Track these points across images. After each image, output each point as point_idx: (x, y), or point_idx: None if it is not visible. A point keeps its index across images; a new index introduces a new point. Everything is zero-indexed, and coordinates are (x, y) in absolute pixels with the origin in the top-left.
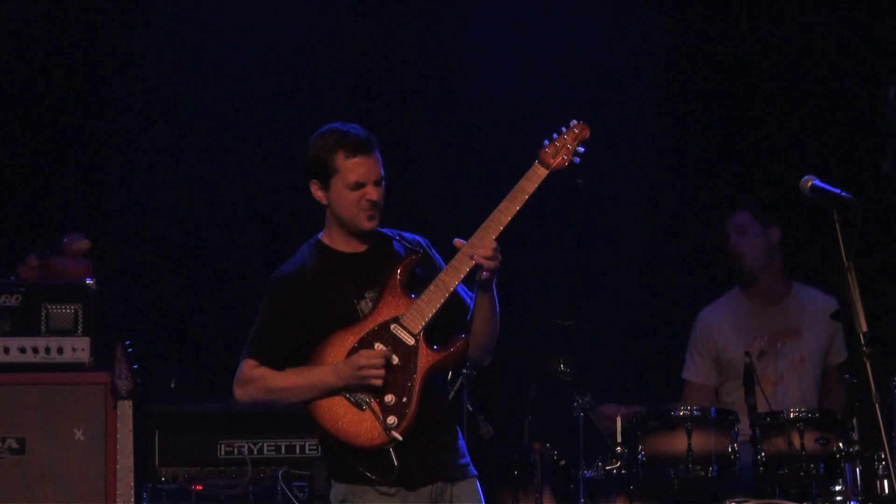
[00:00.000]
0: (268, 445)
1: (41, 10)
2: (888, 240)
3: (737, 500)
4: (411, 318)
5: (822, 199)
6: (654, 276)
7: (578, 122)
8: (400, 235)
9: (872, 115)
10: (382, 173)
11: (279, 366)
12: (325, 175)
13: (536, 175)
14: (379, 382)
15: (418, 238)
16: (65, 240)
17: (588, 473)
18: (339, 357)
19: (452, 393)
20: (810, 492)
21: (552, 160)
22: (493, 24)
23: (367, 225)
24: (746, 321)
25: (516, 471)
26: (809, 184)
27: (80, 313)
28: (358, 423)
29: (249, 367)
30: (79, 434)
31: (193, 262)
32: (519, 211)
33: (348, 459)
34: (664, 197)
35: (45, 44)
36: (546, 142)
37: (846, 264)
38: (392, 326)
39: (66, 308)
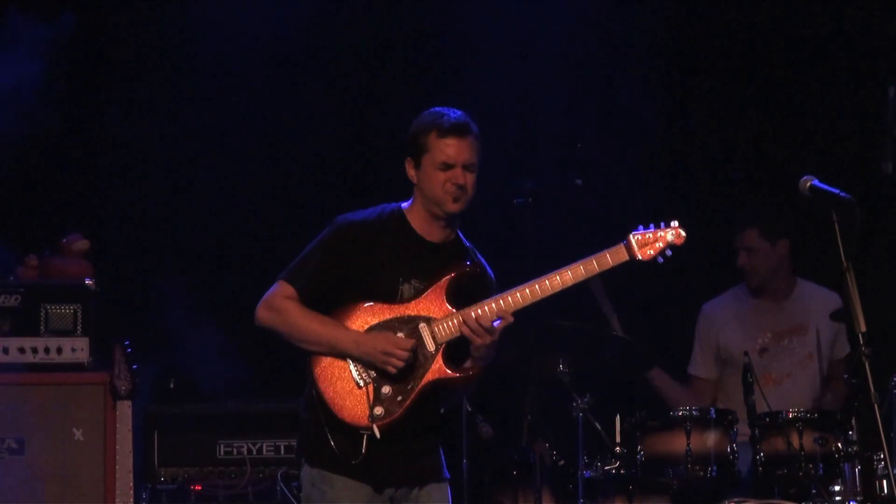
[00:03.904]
0: (267, 445)
1: None
2: (887, 240)
3: (736, 500)
4: (441, 328)
5: (821, 200)
6: (655, 277)
7: (679, 227)
8: (476, 256)
9: (872, 114)
10: (475, 160)
11: (309, 301)
12: (418, 153)
13: (617, 257)
14: (393, 371)
15: (489, 271)
16: (64, 240)
17: (587, 473)
18: (360, 326)
19: None
20: (809, 492)
21: (637, 250)
22: (492, 21)
23: (451, 207)
24: (750, 318)
25: (515, 471)
26: (808, 184)
27: (79, 314)
28: (349, 396)
29: (282, 295)
30: (78, 434)
31: (193, 261)
32: (583, 281)
33: (321, 430)
34: (664, 196)
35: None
36: (640, 228)
37: (845, 265)
38: (421, 325)
39: (65, 308)
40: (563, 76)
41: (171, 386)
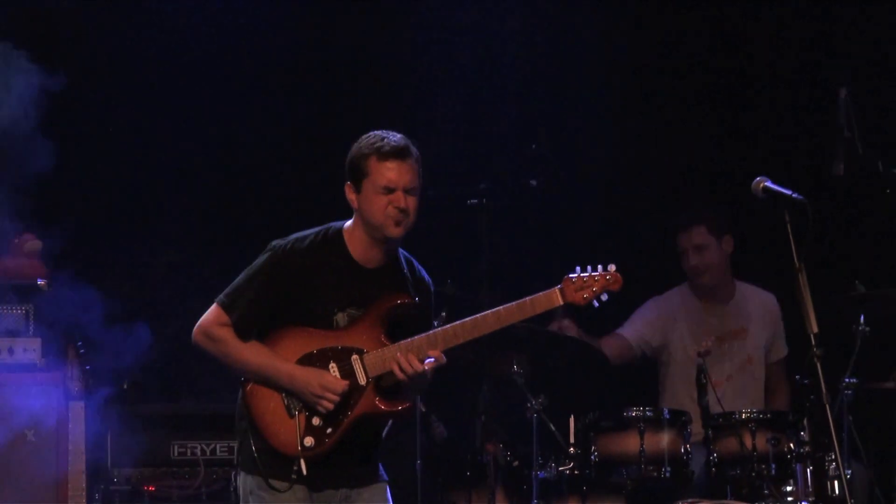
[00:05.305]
0: (220, 446)
1: None
2: (838, 240)
3: (689, 500)
4: (373, 362)
5: (775, 200)
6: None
7: (616, 272)
8: (413, 267)
9: (823, 116)
10: (416, 184)
11: (244, 330)
12: (358, 177)
13: (550, 301)
14: (323, 411)
15: (427, 279)
16: (16, 240)
17: (541, 474)
18: (292, 353)
19: None
20: (762, 492)
21: (573, 294)
22: (446, 24)
23: (393, 232)
24: (696, 320)
25: (469, 471)
26: (762, 185)
27: (31, 314)
28: (280, 424)
29: (218, 323)
30: (30, 435)
31: (146, 260)
32: (518, 323)
33: (254, 451)
34: (618, 198)
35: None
36: (577, 270)
37: (797, 265)
38: (353, 356)
39: (16, 309)
40: (517, 77)
41: (125, 386)
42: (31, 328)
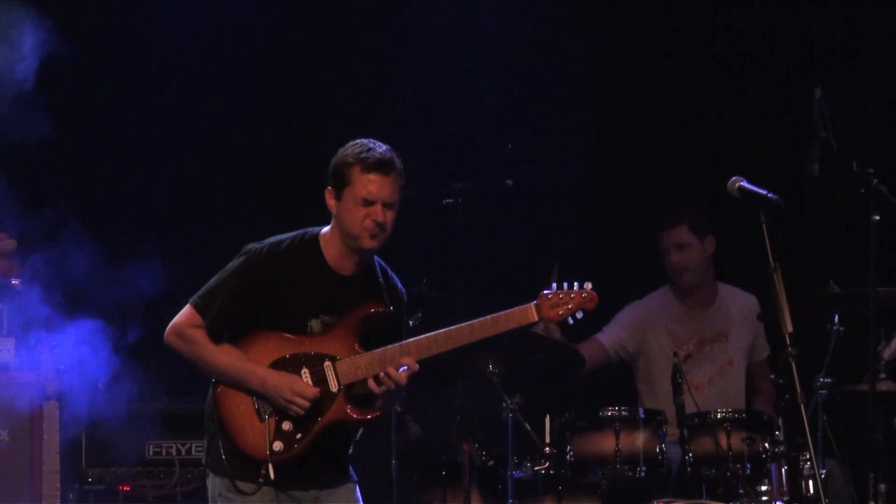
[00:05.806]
0: (196, 446)
1: None
2: (813, 240)
3: (664, 500)
4: (345, 369)
5: (750, 200)
6: (584, 277)
7: (591, 291)
8: (388, 276)
9: (799, 116)
10: (396, 198)
11: (217, 332)
12: (340, 185)
13: (525, 317)
14: (293, 415)
15: (401, 288)
16: None
17: (516, 474)
18: (265, 357)
19: None
20: (737, 492)
21: (548, 311)
22: (426, 23)
23: (367, 244)
24: (677, 323)
25: (444, 471)
26: (737, 185)
27: (4, 313)
28: (250, 427)
29: (191, 324)
30: (4, 435)
31: (119, 262)
32: (493, 336)
33: (222, 453)
34: (595, 198)
35: None
36: (553, 286)
37: (772, 265)
38: (326, 363)
39: None
40: (495, 77)
41: (99, 386)
42: (4, 327)
